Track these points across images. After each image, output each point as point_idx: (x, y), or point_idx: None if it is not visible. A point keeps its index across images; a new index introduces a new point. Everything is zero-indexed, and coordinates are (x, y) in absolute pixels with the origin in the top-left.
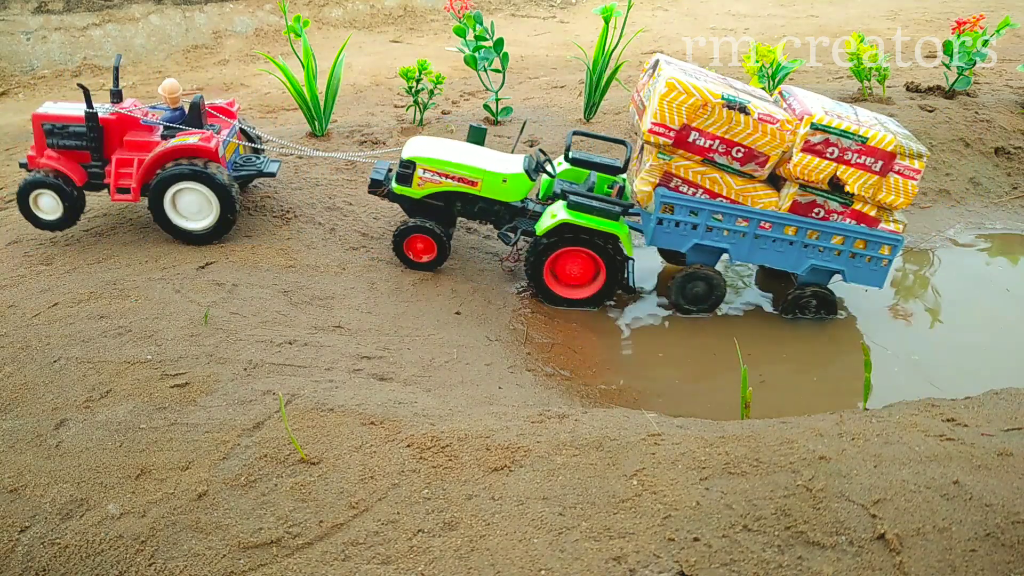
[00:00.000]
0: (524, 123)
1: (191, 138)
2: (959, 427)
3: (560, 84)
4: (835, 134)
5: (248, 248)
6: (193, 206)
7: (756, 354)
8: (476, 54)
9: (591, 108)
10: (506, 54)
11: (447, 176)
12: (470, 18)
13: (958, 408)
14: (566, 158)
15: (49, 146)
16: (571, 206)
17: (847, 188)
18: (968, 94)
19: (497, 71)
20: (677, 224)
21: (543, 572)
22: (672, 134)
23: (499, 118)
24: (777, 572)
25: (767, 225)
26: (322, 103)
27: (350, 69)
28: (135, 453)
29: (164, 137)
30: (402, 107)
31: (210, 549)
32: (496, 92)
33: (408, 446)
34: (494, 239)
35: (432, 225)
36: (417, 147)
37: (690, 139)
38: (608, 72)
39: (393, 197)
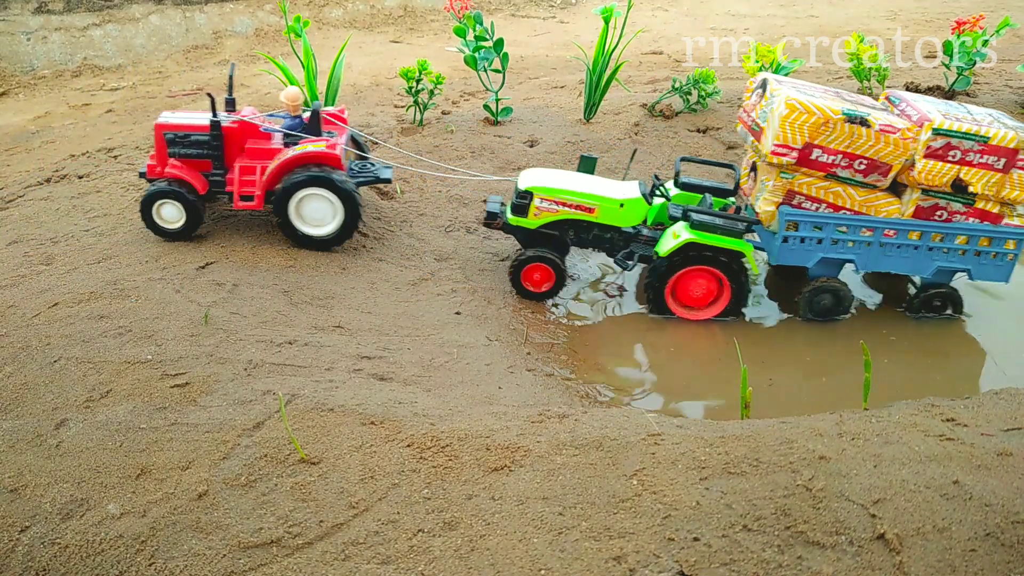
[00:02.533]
0: (635, 150)
1: (317, 145)
2: (959, 427)
3: (560, 84)
4: (957, 137)
5: (248, 248)
6: (317, 212)
7: (762, 355)
8: (476, 54)
9: (591, 108)
10: (506, 54)
11: (564, 204)
12: (470, 18)
13: (958, 408)
14: (676, 183)
15: (171, 155)
16: (694, 226)
17: (971, 188)
18: (968, 94)
19: (497, 71)
20: (802, 240)
21: (543, 572)
22: (795, 154)
23: (499, 118)
24: (777, 572)
25: (891, 232)
26: (322, 103)
27: (350, 69)
28: (135, 453)
29: (286, 144)
30: (402, 107)
31: (210, 549)
32: (496, 92)
33: (408, 446)
34: (494, 239)
35: (550, 254)
36: (533, 177)
37: (813, 156)
38: (608, 72)
39: (508, 229)
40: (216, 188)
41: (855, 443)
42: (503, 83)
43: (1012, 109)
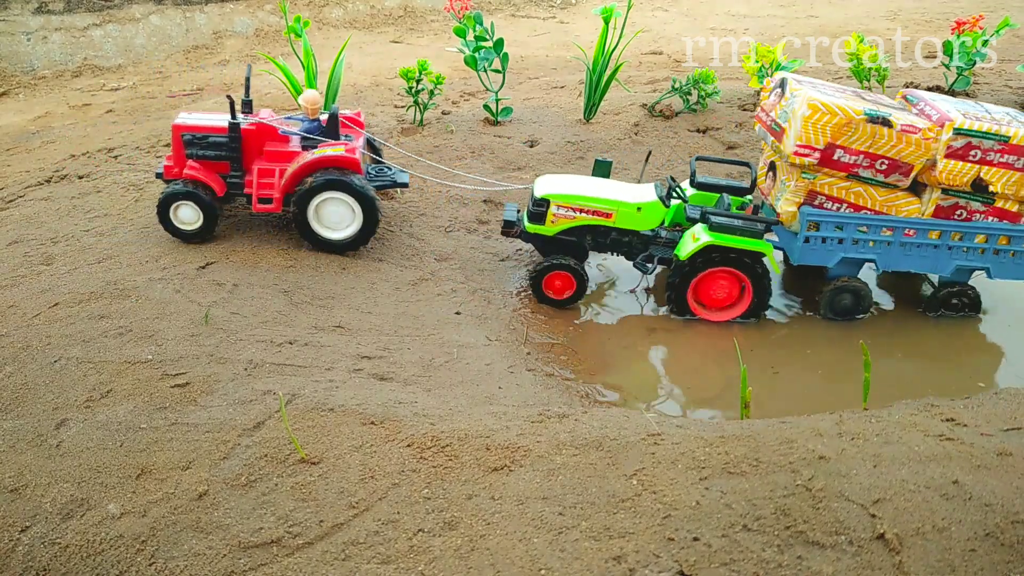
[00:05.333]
0: (649, 152)
1: (336, 149)
2: (959, 427)
3: (560, 84)
4: (978, 136)
5: (248, 248)
6: (335, 216)
7: (762, 354)
8: (476, 54)
9: (591, 108)
10: (506, 54)
11: (581, 210)
12: (470, 18)
13: (957, 408)
14: (692, 183)
15: (188, 157)
16: (713, 228)
17: (991, 188)
18: (968, 94)
19: (497, 71)
20: (823, 240)
21: (543, 571)
22: (817, 154)
23: (499, 118)
24: (777, 572)
25: (912, 232)
26: (323, 103)
27: (350, 69)
28: (135, 453)
29: (304, 147)
30: (402, 107)
31: (210, 549)
32: (496, 92)
33: (408, 446)
34: (495, 239)
35: (570, 262)
36: (548, 185)
37: (835, 157)
38: (608, 72)
39: (526, 237)
40: (234, 190)
41: (855, 443)
42: (503, 83)
43: None
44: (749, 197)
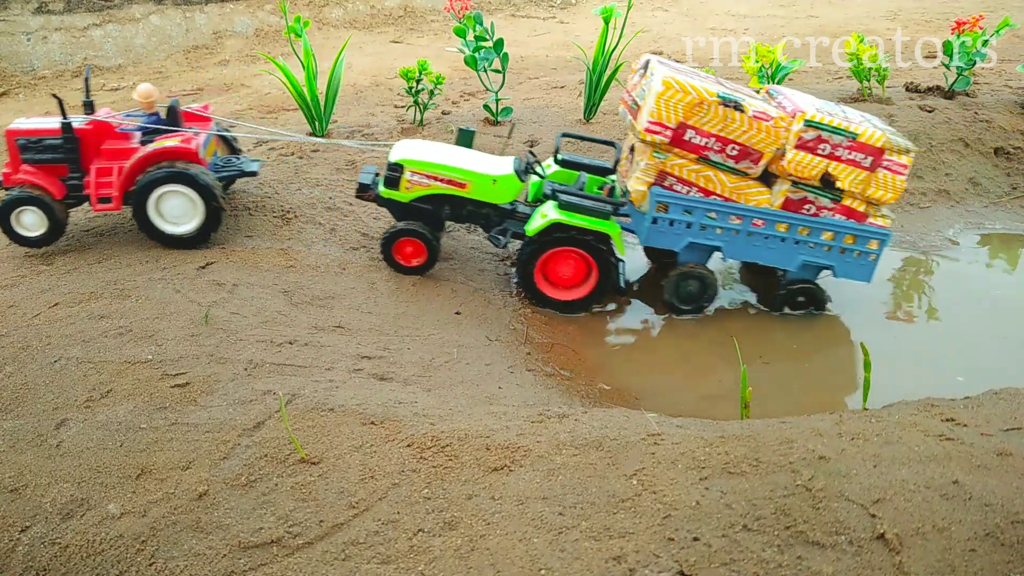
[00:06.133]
0: (513, 125)
1: (171, 140)
2: (959, 427)
3: (560, 84)
4: (827, 131)
5: (248, 248)
6: (177, 209)
7: (760, 353)
8: (476, 54)
9: (591, 108)
10: (506, 54)
11: (436, 179)
12: (470, 18)
13: (957, 408)
14: (555, 160)
15: (24, 162)
16: (562, 206)
17: (838, 184)
18: (968, 94)
19: (497, 71)
20: (671, 223)
21: (543, 572)
22: (669, 132)
23: (499, 118)
24: (777, 572)
25: (760, 222)
26: (322, 103)
27: (350, 69)
28: (135, 453)
29: (143, 143)
30: (402, 107)
31: (210, 549)
32: (496, 92)
33: (408, 446)
34: None
35: (420, 228)
36: (405, 150)
37: (686, 137)
38: (608, 72)
39: (381, 201)
40: (74, 192)
41: (855, 443)
42: (503, 83)
43: (1012, 109)
44: (612, 177)
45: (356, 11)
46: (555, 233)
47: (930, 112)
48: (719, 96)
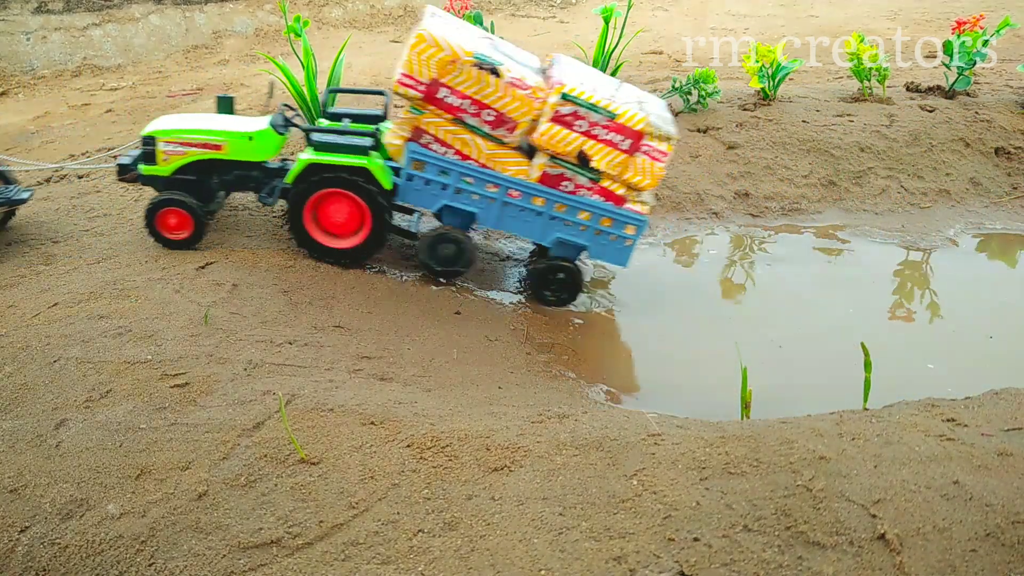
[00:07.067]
0: (271, 84)
1: None
2: (959, 427)
3: None
4: (584, 107)
5: (248, 248)
6: None
7: (763, 355)
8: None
9: None
10: None
11: (190, 144)
12: (470, 18)
13: (958, 408)
14: (323, 114)
15: None
16: (316, 147)
17: (593, 163)
18: (968, 94)
19: None
20: (427, 182)
21: (543, 572)
22: (422, 88)
23: None
24: (777, 572)
25: (516, 193)
26: (322, 103)
27: (350, 69)
28: (135, 453)
29: None
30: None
31: (210, 549)
32: None
33: (408, 446)
34: (495, 239)
35: (184, 197)
36: (157, 123)
37: (439, 95)
38: (608, 72)
39: (145, 180)
40: None
41: (855, 443)
42: None
43: (1013, 109)
44: (385, 124)
45: (356, 11)
46: (312, 176)
47: (930, 112)
48: (475, 57)
